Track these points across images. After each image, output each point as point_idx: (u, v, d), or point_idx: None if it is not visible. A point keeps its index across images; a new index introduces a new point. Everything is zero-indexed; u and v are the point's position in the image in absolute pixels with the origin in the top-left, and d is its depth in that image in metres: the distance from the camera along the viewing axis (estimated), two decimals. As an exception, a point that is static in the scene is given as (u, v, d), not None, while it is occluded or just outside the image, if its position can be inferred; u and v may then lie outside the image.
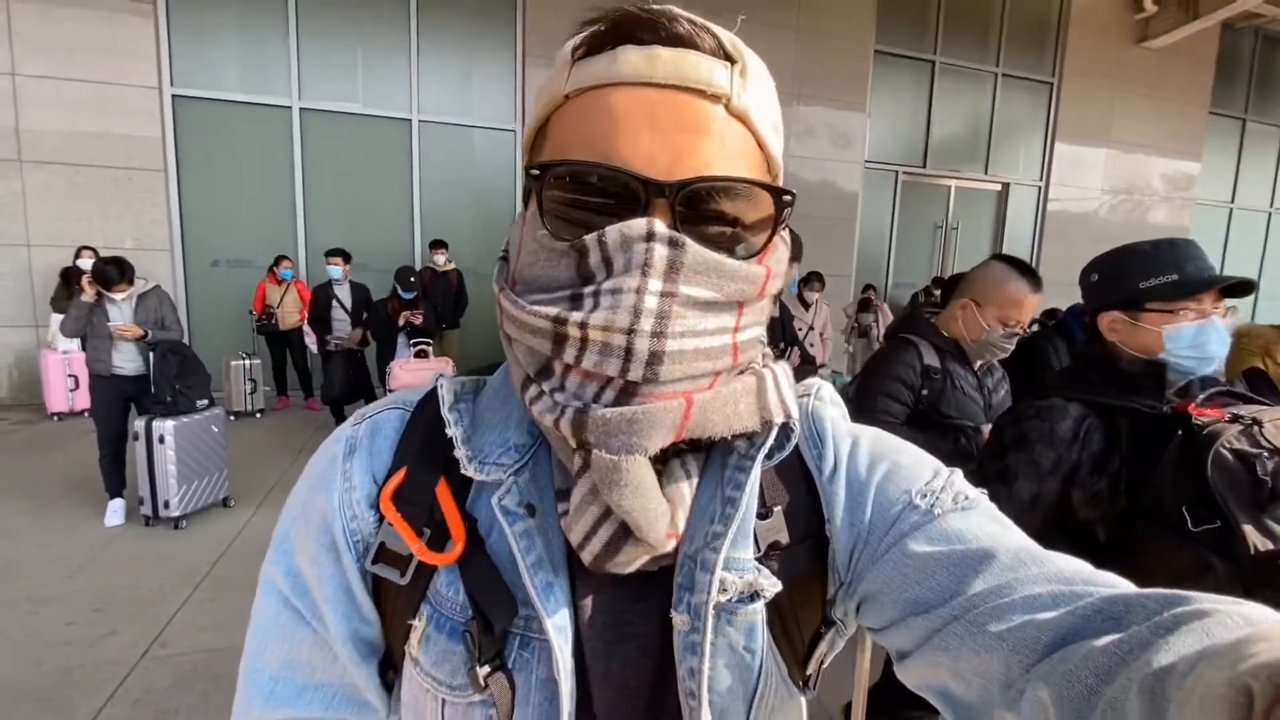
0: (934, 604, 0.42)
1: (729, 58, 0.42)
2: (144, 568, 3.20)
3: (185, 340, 4.16)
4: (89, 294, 3.64)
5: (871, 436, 0.53)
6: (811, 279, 5.96)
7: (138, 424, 3.61)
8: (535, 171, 0.41)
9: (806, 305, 5.88)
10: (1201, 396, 1.15)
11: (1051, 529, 1.20)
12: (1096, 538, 1.18)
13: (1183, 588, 0.32)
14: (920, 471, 0.49)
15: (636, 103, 0.40)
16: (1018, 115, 9.26)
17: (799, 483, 0.50)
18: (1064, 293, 3.38)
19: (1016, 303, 1.71)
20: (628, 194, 0.40)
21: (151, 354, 3.74)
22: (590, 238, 0.40)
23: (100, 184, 6.10)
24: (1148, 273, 1.19)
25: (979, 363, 1.84)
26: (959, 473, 0.50)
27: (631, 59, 0.40)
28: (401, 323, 5.36)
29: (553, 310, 0.40)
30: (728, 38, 0.42)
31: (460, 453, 0.47)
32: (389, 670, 0.52)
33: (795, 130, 8.05)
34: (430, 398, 0.52)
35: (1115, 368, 1.22)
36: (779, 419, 0.45)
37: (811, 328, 5.83)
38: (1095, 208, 9.75)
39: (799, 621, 0.49)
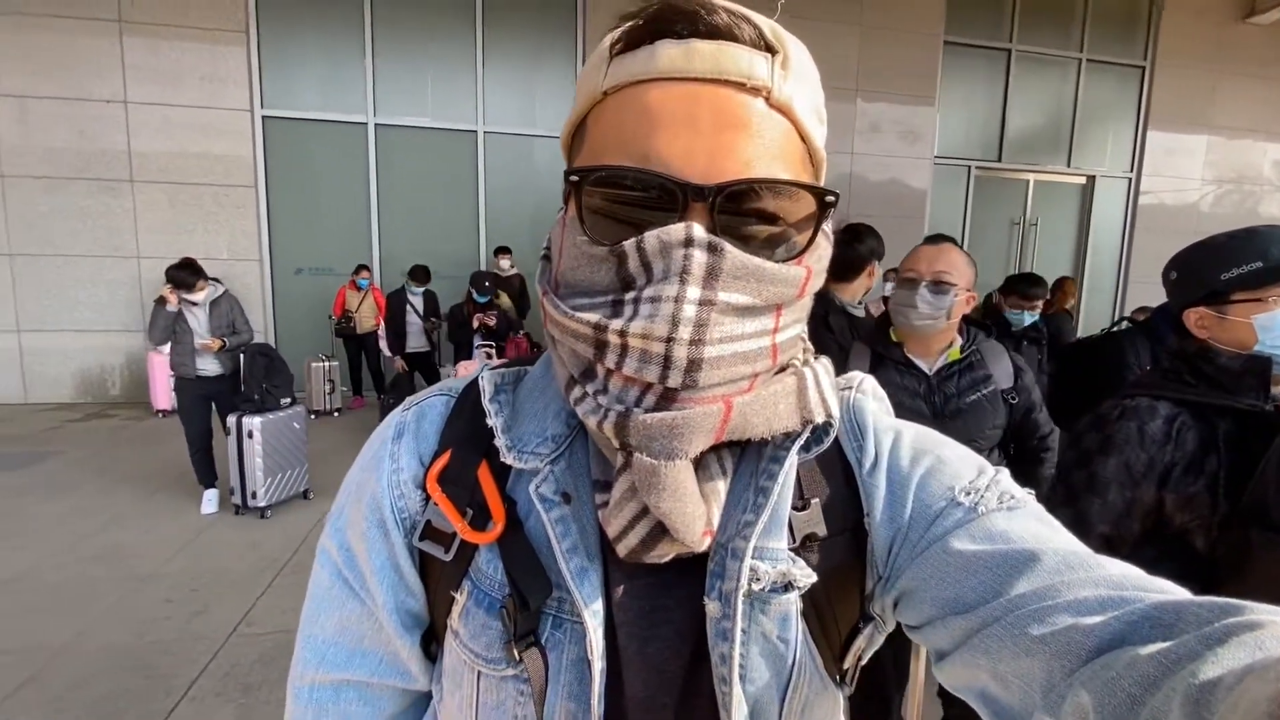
0: (974, 604, 0.41)
1: (770, 48, 0.41)
2: (234, 552, 3.46)
3: (270, 342, 4.46)
4: (172, 303, 3.91)
5: (915, 431, 0.52)
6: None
7: (230, 420, 3.90)
8: (574, 177, 0.41)
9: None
10: None
11: (1145, 538, 1.14)
12: (1194, 547, 1.11)
13: None
14: (964, 469, 0.48)
15: (674, 99, 0.39)
16: (1104, 103, 8.68)
17: (838, 476, 0.50)
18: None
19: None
20: (666, 197, 0.39)
21: (242, 355, 4.05)
22: (629, 243, 0.40)
23: (200, 200, 6.64)
24: (1228, 263, 1.13)
25: (937, 362, 1.72)
26: (1005, 471, 0.48)
27: (669, 53, 0.40)
28: (476, 325, 5.64)
29: (594, 316, 0.41)
30: (769, 26, 0.41)
31: (500, 442, 0.48)
32: (431, 642, 0.54)
33: (859, 127, 7.85)
34: (474, 385, 0.53)
35: (1214, 364, 1.15)
36: (820, 418, 0.45)
37: None
38: (1195, 200, 9.01)
39: (836, 615, 0.48)
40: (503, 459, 0.48)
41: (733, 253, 0.39)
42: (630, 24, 0.42)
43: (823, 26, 7.36)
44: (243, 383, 4.03)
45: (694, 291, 0.38)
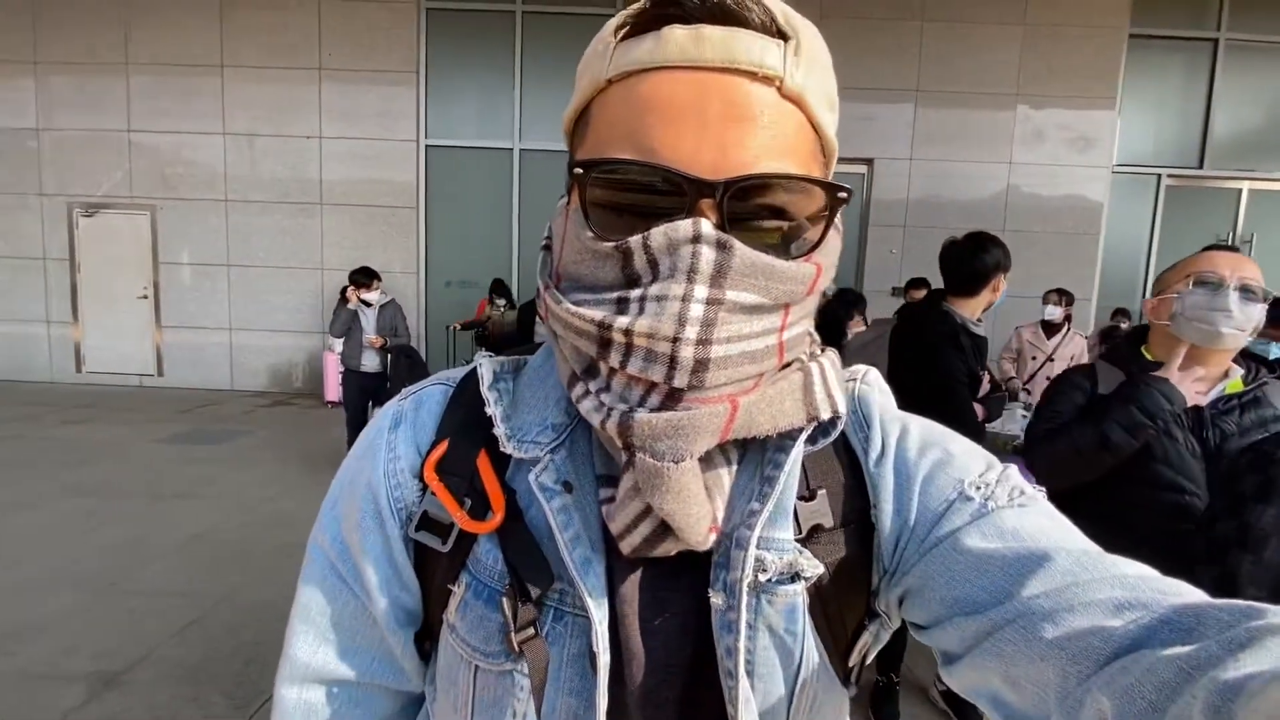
0: (986, 605, 0.39)
1: (782, 34, 0.40)
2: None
3: (421, 346, 5.03)
4: (354, 302, 4.63)
5: (922, 424, 0.50)
6: (1050, 294, 4.68)
7: (376, 413, 4.42)
8: (579, 170, 0.40)
9: (1050, 331, 4.55)
10: None
11: None
12: None
13: None
14: (973, 463, 0.46)
15: (682, 90, 0.38)
16: (1350, 95, 7.17)
17: (845, 467, 0.48)
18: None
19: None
20: (674, 192, 0.38)
21: (388, 355, 4.57)
22: (635, 240, 0.39)
23: (374, 220, 7.57)
24: None
25: (1212, 391, 1.45)
26: (1014, 467, 0.46)
27: (678, 39, 0.38)
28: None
29: (598, 314, 0.40)
30: (780, 10, 0.40)
31: (499, 431, 0.47)
32: (426, 640, 0.54)
33: (1019, 135, 7.15)
34: (472, 375, 0.52)
35: None
36: (825, 415, 0.44)
37: (1051, 359, 4.44)
38: None
39: (841, 610, 0.47)
40: (502, 448, 0.47)
41: (741, 250, 0.37)
42: (637, 6, 0.41)
43: (980, 29, 6.80)
44: (388, 380, 4.54)
45: (701, 290, 0.37)
